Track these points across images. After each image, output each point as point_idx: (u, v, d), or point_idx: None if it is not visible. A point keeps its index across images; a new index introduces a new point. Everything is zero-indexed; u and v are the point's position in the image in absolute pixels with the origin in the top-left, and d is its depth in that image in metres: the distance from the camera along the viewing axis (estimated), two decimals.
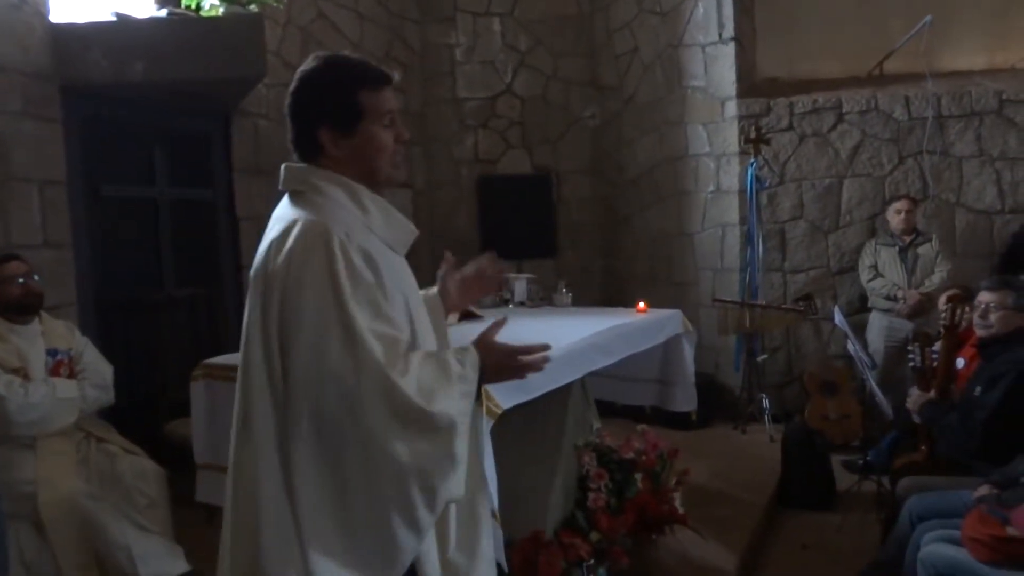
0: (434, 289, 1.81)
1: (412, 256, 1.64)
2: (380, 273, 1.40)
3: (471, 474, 1.56)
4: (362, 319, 1.32)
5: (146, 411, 3.68)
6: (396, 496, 1.32)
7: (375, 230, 1.46)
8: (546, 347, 1.52)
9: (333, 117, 1.45)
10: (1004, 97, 5.05)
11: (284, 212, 1.47)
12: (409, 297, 1.50)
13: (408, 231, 1.56)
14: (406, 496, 1.32)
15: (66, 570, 2.68)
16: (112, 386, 3.08)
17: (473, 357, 1.45)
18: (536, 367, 1.50)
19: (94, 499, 2.76)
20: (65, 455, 2.82)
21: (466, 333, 1.57)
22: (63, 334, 3.03)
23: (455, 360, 1.42)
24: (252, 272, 1.45)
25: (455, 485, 1.38)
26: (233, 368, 2.32)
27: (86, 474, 2.84)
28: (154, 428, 3.55)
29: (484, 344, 1.49)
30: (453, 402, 1.37)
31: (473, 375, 1.43)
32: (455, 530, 1.56)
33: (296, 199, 1.47)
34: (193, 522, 3.04)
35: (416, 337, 1.49)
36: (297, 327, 1.33)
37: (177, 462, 3.00)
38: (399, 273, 1.50)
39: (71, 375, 2.96)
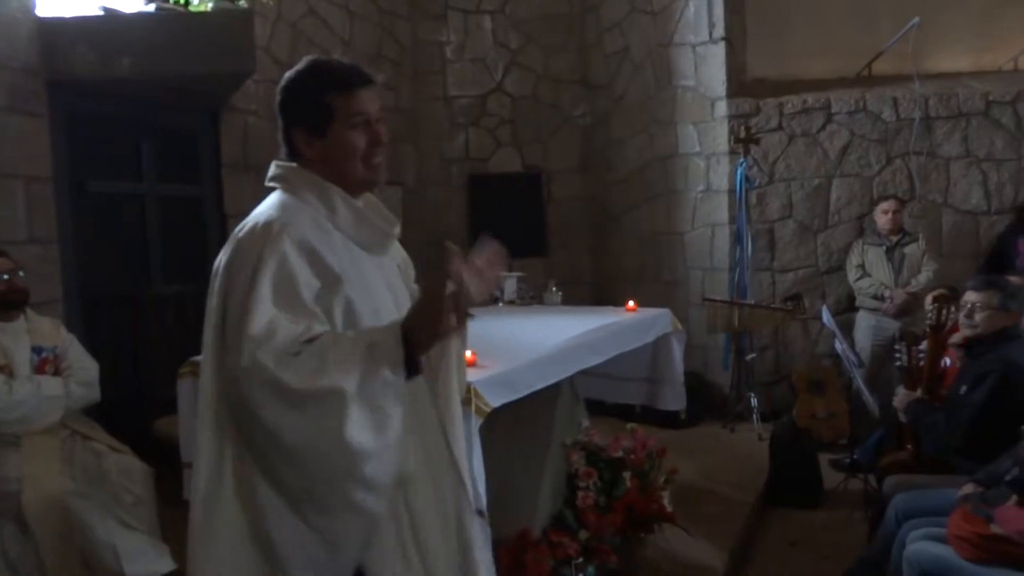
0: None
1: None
2: (328, 267, 1.41)
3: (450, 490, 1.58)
4: (262, 311, 1.32)
5: (133, 409, 3.65)
6: (318, 478, 1.32)
7: (342, 228, 1.49)
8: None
9: (305, 119, 1.49)
10: (990, 99, 5.10)
11: (256, 208, 1.51)
12: (374, 296, 1.48)
13: (383, 233, 1.56)
14: (327, 476, 1.32)
15: (51, 569, 2.66)
16: (97, 384, 3.05)
17: (392, 325, 1.37)
18: (450, 306, 1.33)
19: (79, 497, 2.74)
20: (50, 453, 2.79)
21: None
22: (48, 331, 3.00)
23: (371, 332, 1.38)
24: (213, 268, 1.49)
25: (383, 459, 1.34)
26: None
27: (71, 472, 2.82)
28: (141, 426, 3.52)
29: (409, 311, 1.41)
30: (347, 373, 1.30)
31: (391, 340, 1.33)
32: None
33: (271, 196, 1.52)
34: (180, 520, 3.01)
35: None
36: (227, 323, 1.37)
37: (164, 460, 2.98)
38: (365, 271, 1.49)
39: (56, 372, 2.94)
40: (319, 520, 1.34)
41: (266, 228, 1.40)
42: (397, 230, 1.61)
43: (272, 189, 1.53)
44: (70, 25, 3.53)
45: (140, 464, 2.97)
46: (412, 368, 1.35)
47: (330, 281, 1.41)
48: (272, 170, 1.54)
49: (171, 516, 2.98)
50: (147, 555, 2.79)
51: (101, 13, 3.61)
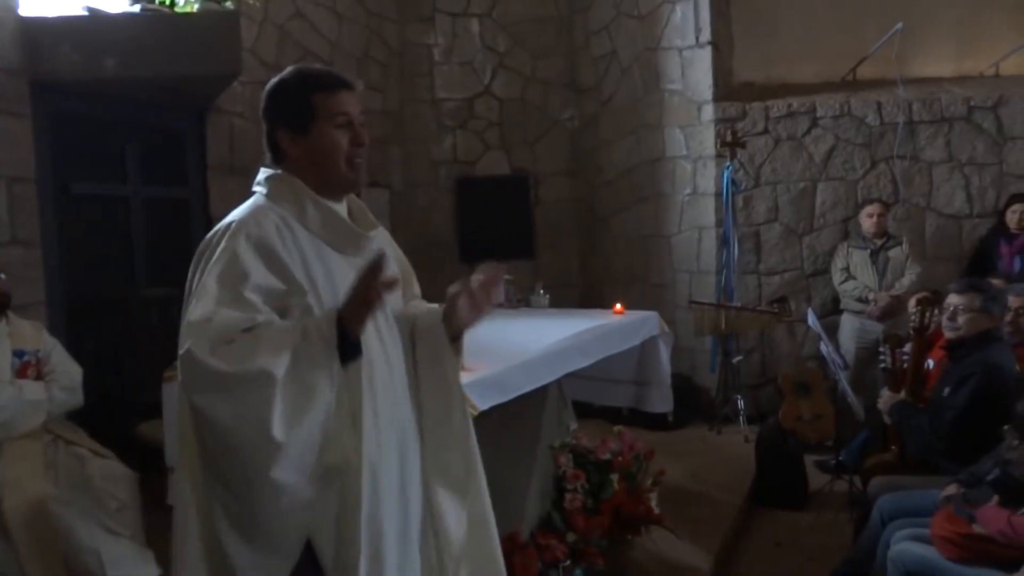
0: (438, 308, 1.74)
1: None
2: (284, 267, 1.45)
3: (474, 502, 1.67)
4: (205, 302, 1.39)
5: (117, 413, 3.61)
6: (248, 459, 1.35)
7: (312, 230, 1.53)
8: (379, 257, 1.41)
9: (288, 118, 1.55)
10: (972, 104, 5.16)
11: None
12: (332, 294, 1.50)
13: (356, 235, 1.59)
14: (256, 457, 1.34)
15: (35, 575, 2.62)
16: (81, 388, 3.02)
17: (329, 310, 1.44)
18: (370, 280, 1.38)
19: (62, 503, 2.71)
20: (32, 458, 2.76)
21: None
22: (30, 335, 2.97)
23: (306, 319, 1.44)
24: None
25: (315, 442, 1.38)
26: None
27: (54, 477, 2.78)
28: (125, 430, 3.49)
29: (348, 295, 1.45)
30: (276, 354, 1.34)
31: (325, 320, 1.40)
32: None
33: (251, 197, 1.59)
34: (165, 526, 2.98)
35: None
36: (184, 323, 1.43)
37: (148, 465, 2.95)
38: (334, 271, 1.53)
39: (38, 377, 2.90)
40: (252, 507, 1.38)
41: (227, 228, 1.48)
42: (374, 232, 1.64)
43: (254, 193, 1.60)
44: (54, 25, 3.50)
45: (124, 469, 2.94)
46: (350, 351, 1.41)
47: (287, 282, 1.46)
48: (259, 174, 1.60)
49: (156, 521, 2.96)
50: (131, 561, 2.76)
51: (85, 13, 3.58)
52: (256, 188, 1.59)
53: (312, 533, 1.43)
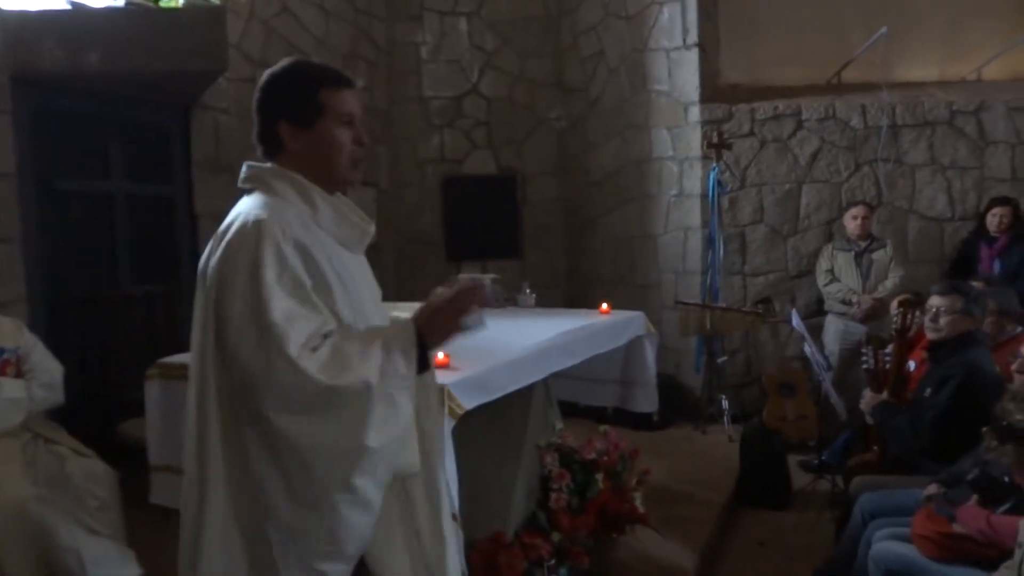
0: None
1: (375, 256, 1.64)
2: (317, 266, 1.43)
3: (434, 489, 1.61)
4: (278, 305, 1.34)
5: (98, 411, 3.58)
6: (328, 476, 1.34)
7: (324, 227, 1.50)
8: (478, 287, 1.50)
9: (293, 111, 1.50)
10: (955, 108, 5.22)
11: (236, 208, 1.51)
12: (358, 294, 1.52)
13: (361, 230, 1.58)
14: (337, 473, 1.34)
15: (13, 575, 2.59)
16: (61, 386, 2.99)
17: (404, 320, 1.47)
18: (466, 305, 1.46)
19: (42, 502, 2.68)
20: (11, 457, 2.73)
21: None
22: (10, 332, 2.93)
23: (383, 329, 1.46)
24: (199, 268, 1.49)
25: (392, 453, 1.39)
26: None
27: (33, 476, 2.75)
28: (106, 429, 3.45)
29: (421, 309, 1.49)
30: (370, 367, 1.35)
31: (406, 335, 1.42)
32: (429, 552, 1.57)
33: (249, 196, 1.51)
34: (146, 525, 2.96)
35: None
36: (225, 320, 1.37)
37: (130, 463, 2.93)
38: (348, 269, 1.52)
39: (18, 374, 2.87)
40: (320, 515, 1.35)
41: (257, 226, 1.39)
42: (372, 228, 1.64)
43: (245, 191, 1.54)
44: (36, 19, 3.46)
45: (105, 467, 2.92)
46: (422, 364, 1.43)
47: (320, 282, 1.43)
48: (245, 171, 1.54)
49: (137, 520, 2.94)
50: (112, 560, 2.74)
51: (68, 7, 3.54)
52: (250, 184, 1.52)
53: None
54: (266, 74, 1.54)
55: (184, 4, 3.65)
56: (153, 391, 2.53)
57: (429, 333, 1.43)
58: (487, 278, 1.54)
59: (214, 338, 1.38)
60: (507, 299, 4.18)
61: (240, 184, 1.55)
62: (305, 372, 1.30)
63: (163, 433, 2.47)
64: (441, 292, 1.48)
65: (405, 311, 1.82)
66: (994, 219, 4.78)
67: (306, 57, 1.60)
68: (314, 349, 1.33)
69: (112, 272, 4.04)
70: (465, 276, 1.55)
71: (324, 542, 1.36)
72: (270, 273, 1.35)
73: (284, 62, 1.55)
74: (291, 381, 1.31)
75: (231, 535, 1.38)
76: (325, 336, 1.38)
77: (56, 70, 3.47)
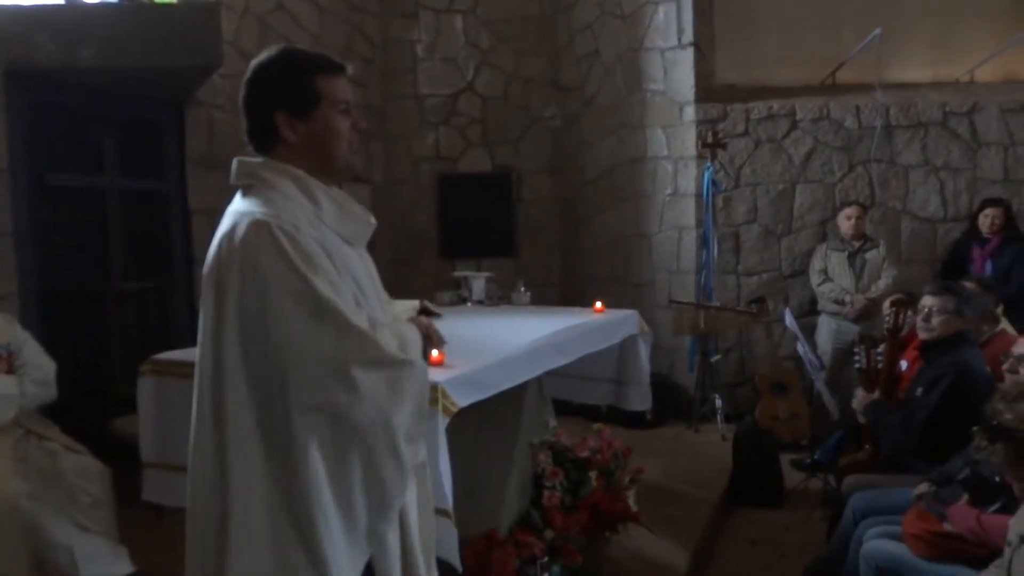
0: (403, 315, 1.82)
1: (370, 252, 1.63)
2: (333, 263, 1.43)
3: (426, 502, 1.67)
4: (329, 292, 1.37)
5: (91, 408, 3.56)
6: (385, 445, 1.41)
7: (327, 223, 1.48)
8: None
9: (289, 101, 1.47)
10: (948, 109, 5.24)
11: (235, 207, 1.47)
12: (364, 290, 1.52)
13: (365, 223, 1.58)
14: (394, 443, 1.41)
15: (3, 572, 2.58)
16: (54, 382, 2.97)
17: (412, 328, 1.60)
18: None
19: (34, 499, 2.67)
20: (3, 453, 2.71)
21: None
22: (2, 327, 2.92)
23: (404, 327, 1.56)
24: (205, 270, 1.44)
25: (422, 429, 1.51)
26: (183, 364, 2.28)
27: (25, 472, 2.74)
28: (99, 425, 3.44)
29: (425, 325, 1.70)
30: (418, 356, 1.52)
31: (417, 337, 1.58)
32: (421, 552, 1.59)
33: (247, 194, 1.47)
34: (139, 522, 2.96)
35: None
36: (267, 318, 1.34)
37: (123, 460, 2.91)
38: (354, 266, 1.51)
39: (9, 370, 2.85)
40: (374, 472, 1.40)
41: (267, 226, 1.35)
42: (374, 220, 1.62)
43: (242, 187, 1.49)
44: (29, 14, 3.44)
45: (97, 464, 2.91)
46: None
47: (335, 281, 1.44)
48: (238, 167, 1.50)
49: (129, 517, 2.93)
50: (105, 557, 2.73)
51: (62, 2, 3.52)
52: (245, 180, 1.47)
53: None
54: (254, 65, 1.49)
55: (178, 0, 3.64)
56: (146, 387, 2.52)
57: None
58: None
59: (239, 347, 1.35)
60: (501, 297, 4.18)
61: (234, 181, 1.49)
62: (388, 349, 1.41)
63: (156, 430, 2.46)
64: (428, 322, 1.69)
65: (399, 308, 1.83)
66: (986, 220, 4.80)
67: (294, 45, 1.57)
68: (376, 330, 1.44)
69: (105, 268, 4.03)
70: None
71: (391, 490, 1.43)
72: (304, 268, 1.35)
73: (271, 51, 1.50)
74: (374, 350, 1.39)
75: (263, 533, 1.35)
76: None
77: (50, 65, 3.45)
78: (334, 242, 1.47)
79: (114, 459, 2.99)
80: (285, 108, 1.46)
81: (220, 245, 1.41)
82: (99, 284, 3.93)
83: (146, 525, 2.97)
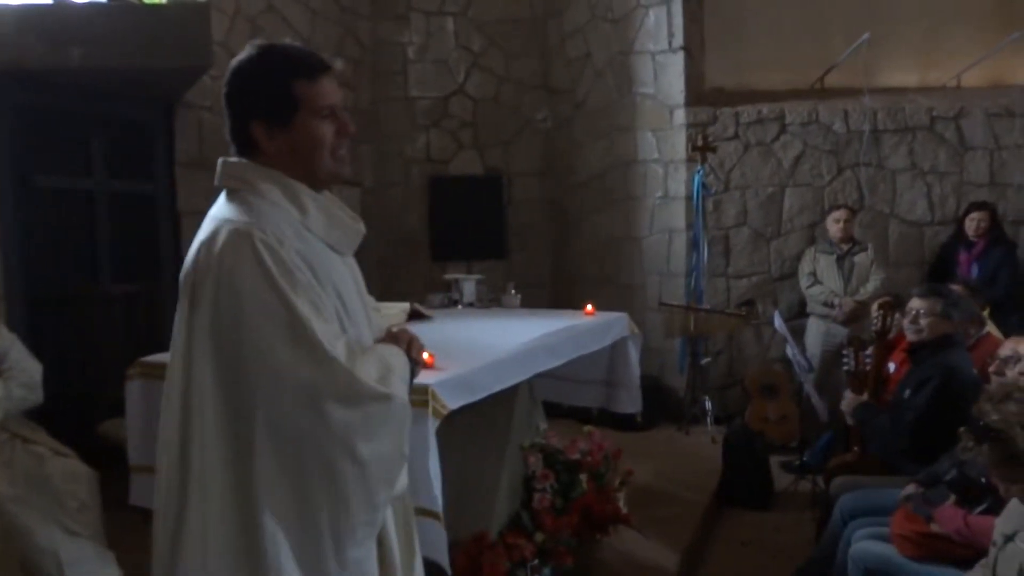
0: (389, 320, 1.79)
1: (360, 256, 1.61)
2: (316, 275, 1.38)
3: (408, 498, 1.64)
4: (308, 314, 1.31)
5: (78, 411, 3.54)
6: (355, 480, 1.33)
7: (315, 231, 1.41)
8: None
9: (266, 110, 1.38)
10: (935, 114, 5.29)
11: (217, 211, 1.41)
12: (347, 300, 1.46)
13: (353, 231, 1.51)
14: (383, 476, 1.37)
15: None
16: (40, 385, 2.94)
17: (398, 351, 1.50)
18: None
19: (19, 503, 2.64)
20: None
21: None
22: None
23: (386, 351, 1.47)
24: (181, 275, 1.40)
25: (403, 473, 1.46)
26: None
27: (11, 476, 2.71)
28: (86, 429, 3.41)
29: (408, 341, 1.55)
30: (400, 388, 1.40)
31: (403, 364, 1.47)
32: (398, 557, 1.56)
33: (231, 198, 1.41)
34: (126, 526, 2.93)
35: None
36: (240, 335, 1.29)
37: (110, 464, 2.89)
38: (339, 275, 1.46)
39: None
40: (350, 517, 1.34)
41: (247, 236, 1.30)
42: (363, 227, 1.55)
43: (227, 190, 1.43)
44: (17, 13, 3.41)
45: (84, 468, 2.88)
46: None
47: (318, 292, 1.38)
48: (222, 168, 1.44)
49: (117, 521, 2.91)
50: (91, 562, 2.70)
51: (50, 2, 3.50)
52: (230, 183, 1.41)
53: None
54: (232, 66, 1.41)
55: (169, 1, 3.62)
56: (134, 391, 2.51)
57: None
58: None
59: (211, 356, 1.31)
60: (492, 299, 4.18)
61: (219, 183, 1.44)
62: (366, 383, 1.32)
63: (144, 433, 2.44)
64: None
65: (385, 312, 1.82)
66: (972, 224, 4.85)
67: (277, 41, 1.45)
68: (354, 361, 1.35)
69: (92, 270, 4.00)
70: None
71: (331, 553, 1.34)
72: (282, 283, 1.29)
73: (250, 51, 1.41)
74: (348, 385, 1.31)
75: (215, 541, 1.31)
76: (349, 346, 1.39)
77: (38, 65, 3.43)
78: (320, 252, 1.41)
79: (101, 463, 2.97)
80: (261, 117, 1.38)
81: (198, 252, 1.36)
82: (87, 287, 3.90)
83: (134, 529, 2.94)
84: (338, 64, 1.53)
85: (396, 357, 1.45)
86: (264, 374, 1.29)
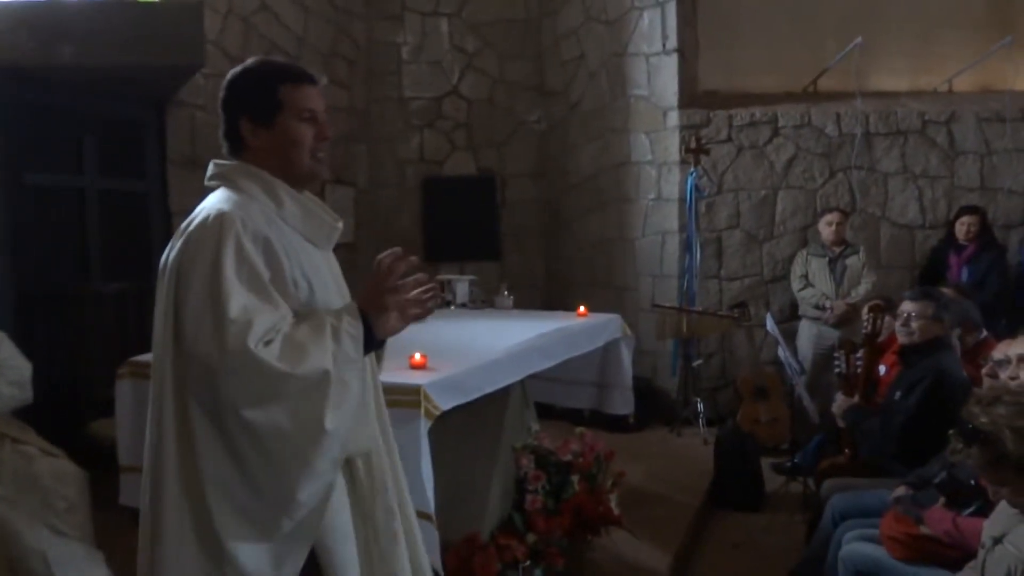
0: None
1: (352, 256, 1.64)
2: (278, 259, 1.44)
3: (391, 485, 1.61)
4: (237, 297, 1.35)
5: (68, 410, 3.52)
6: (289, 459, 1.35)
7: (290, 223, 1.51)
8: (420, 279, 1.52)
9: (253, 108, 1.53)
10: (926, 118, 5.32)
11: (200, 205, 1.52)
12: (317, 289, 1.51)
13: (330, 226, 1.60)
14: (294, 457, 1.36)
15: None
16: (30, 384, 2.91)
17: (349, 304, 1.50)
18: (390, 277, 1.48)
19: (7, 503, 2.62)
20: None
21: (403, 334, 1.56)
22: None
23: (329, 314, 1.45)
24: (160, 263, 1.49)
25: (345, 433, 1.41)
26: None
27: None
28: (76, 428, 3.39)
29: (361, 292, 1.53)
30: (325, 353, 1.37)
31: (352, 317, 1.44)
32: (380, 543, 1.57)
33: (214, 192, 1.53)
34: (116, 526, 2.91)
35: None
36: (183, 310, 1.38)
37: (100, 464, 2.88)
38: (313, 266, 1.53)
39: None
40: (278, 503, 1.36)
41: (218, 219, 1.40)
42: (340, 224, 1.65)
43: (212, 188, 1.55)
44: (8, 10, 3.39)
45: (74, 468, 2.85)
46: (372, 343, 1.46)
47: (279, 276, 1.44)
48: (211, 169, 1.56)
49: (106, 522, 2.89)
50: (80, 562, 2.68)
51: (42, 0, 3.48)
52: (216, 182, 1.54)
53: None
54: (230, 73, 1.57)
55: None
56: (124, 390, 2.50)
57: (373, 312, 1.45)
58: (413, 258, 1.53)
59: (172, 332, 1.39)
60: (484, 301, 4.18)
61: (207, 182, 1.56)
62: (264, 361, 1.32)
63: (133, 433, 2.43)
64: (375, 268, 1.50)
65: None
66: (962, 227, 4.87)
67: (279, 57, 1.65)
68: (268, 343, 1.34)
69: (83, 269, 3.98)
70: (388, 253, 1.50)
71: (277, 520, 1.38)
72: (229, 267, 1.36)
73: (248, 61, 1.59)
74: (251, 371, 1.32)
75: (186, 535, 1.37)
76: (279, 327, 1.39)
77: (29, 62, 3.41)
78: (295, 242, 1.50)
79: (91, 463, 2.94)
80: (249, 114, 1.52)
81: (174, 239, 1.47)
82: (77, 285, 3.88)
83: (123, 530, 2.92)
84: (323, 80, 1.62)
85: (335, 317, 1.43)
86: (191, 351, 1.35)
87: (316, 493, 1.39)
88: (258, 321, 1.34)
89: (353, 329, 1.42)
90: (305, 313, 1.45)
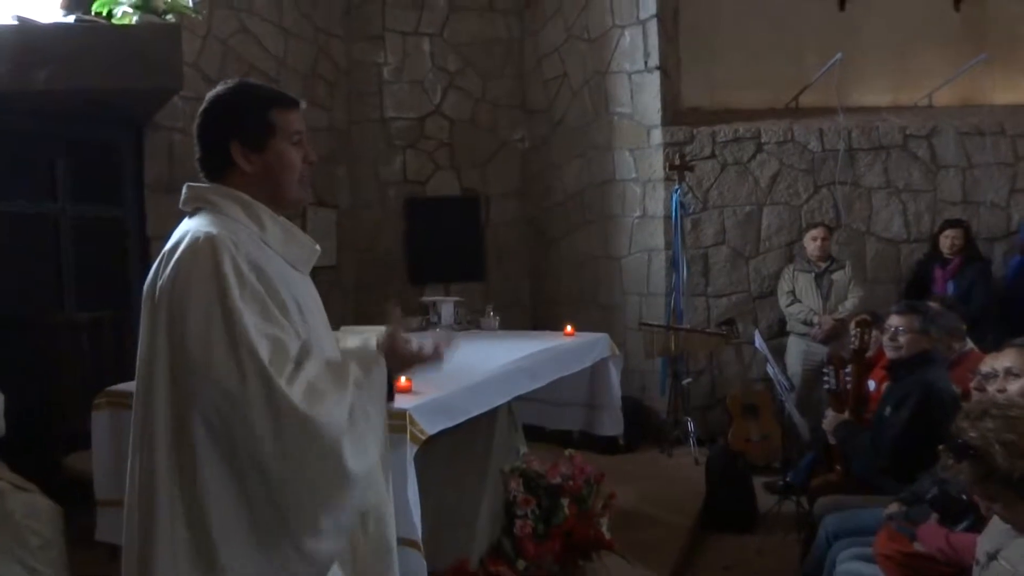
0: (373, 340, 1.74)
1: (335, 278, 1.62)
2: (271, 283, 1.42)
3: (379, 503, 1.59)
4: (249, 319, 1.33)
5: (41, 443, 3.41)
6: (293, 503, 1.33)
7: (273, 246, 1.50)
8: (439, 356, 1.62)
9: (245, 133, 1.50)
10: (908, 132, 5.37)
11: (181, 228, 1.49)
12: (306, 313, 1.51)
13: (310, 249, 1.60)
14: (307, 507, 1.34)
15: None
16: (2, 416, 2.84)
17: (379, 361, 1.51)
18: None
19: None
20: None
21: None
22: None
23: (356, 365, 1.45)
24: (144, 288, 1.45)
25: (353, 496, 1.39)
26: None
27: None
28: (50, 462, 3.29)
29: (388, 347, 1.55)
30: (342, 409, 1.37)
31: (379, 379, 1.48)
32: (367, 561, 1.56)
33: (193, 215, 1.50)
34: (92, 563, 2.82)
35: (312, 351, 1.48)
36: (183, 332, 1.33)
37: (75, 499, 2.79)
38: (299, 290, 1.52)
39: None
40: (289, 551, 1.34)
41: (208, 241, 1.36)
42: (318, 248, 1.65)
43: (188, 213, 1.52)
44: None
45: (48, 503, 2.76)
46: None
47: (276, 300, 1.42)
48: (187, 192, 1.53)
49: (83, 558, 2.80)
50: None
51: (14, 23, 3.43)
52: (192, 204, 1.50)
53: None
54: (211, 96, 1.54)
55: (137, 21, 3.56)
56: (101, 422, 2.42)
57: (394, 374, 1.53)
58: (456, 335, 1.59)
59: (167, 362, 1.34)
60: (470, 322, 4.13)
61: (182, 206, 1.53)
62: (290, 401, 1.30)
63: (110, 466, 2.35)
64: (415, 343, 1.57)
65: (361, 334, 1.78)
66: (946, 241, 4.90)
67: (259, 79, 1.63)
68: (292, 371, 1.33)
69: (58, 297, 3.89)
70: (443, 334, 1.58)
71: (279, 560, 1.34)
72: (233, 288, 1.33)
73: (228, 83, 1.56)
74: (273, 401, 1.30)
75: (181, 568, 1.32)
76: (295, 355, 1.37)
77: (2, 87, 3.35)
78: (279, 266, 1.48)
79: (66, 497, 2.85)
80: (240, 139, 1.50)
81: (160, 262, 1.43)
82: (51, 314, 3.79)
83: (100, 566, 2.83)
84: (303, 104, 1.66)
85: (363, 371, 1.46)
86: (198, 376, 1.31)
87: (323, 554, 1.38)
88: (273, 346, 1.32)
89: (378, 392, 1.47)
90: (326, 357, 1.45)
